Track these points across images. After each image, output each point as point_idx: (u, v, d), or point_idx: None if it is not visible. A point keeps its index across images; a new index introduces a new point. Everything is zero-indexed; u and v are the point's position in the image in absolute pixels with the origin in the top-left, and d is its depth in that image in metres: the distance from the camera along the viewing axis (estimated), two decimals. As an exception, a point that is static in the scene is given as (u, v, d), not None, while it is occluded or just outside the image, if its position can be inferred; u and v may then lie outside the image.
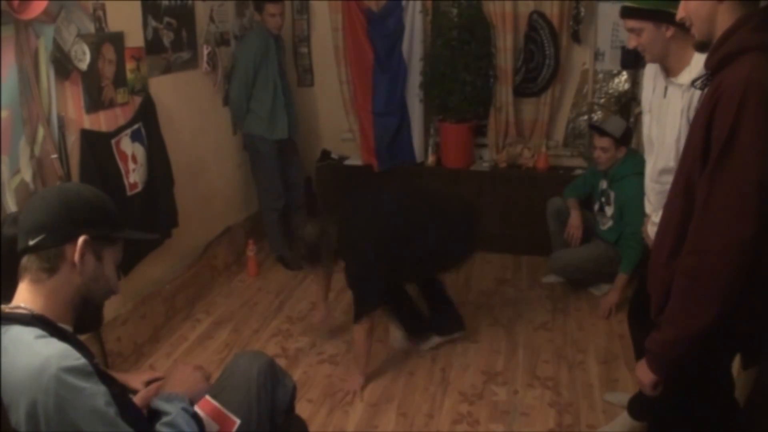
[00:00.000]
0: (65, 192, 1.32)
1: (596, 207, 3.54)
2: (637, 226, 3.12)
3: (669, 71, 1.95)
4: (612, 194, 3.39)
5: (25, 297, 1.25)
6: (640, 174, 3.11)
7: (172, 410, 1.31)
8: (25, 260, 1.26)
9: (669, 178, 1.91)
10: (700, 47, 1.45)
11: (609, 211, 3.43)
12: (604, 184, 3.46)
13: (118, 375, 1.74)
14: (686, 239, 1.35)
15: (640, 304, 2.25)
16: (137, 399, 1.52)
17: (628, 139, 3.39)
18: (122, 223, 1.37)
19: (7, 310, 1.23)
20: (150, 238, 1.50)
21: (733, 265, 1.27)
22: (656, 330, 1.44)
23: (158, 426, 1.29)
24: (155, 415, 1.34)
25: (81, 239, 1.26)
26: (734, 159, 1.25)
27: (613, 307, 3.33)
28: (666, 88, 1.96)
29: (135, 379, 1.72)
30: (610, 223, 3.44)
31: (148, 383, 1.71)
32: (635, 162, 3.29)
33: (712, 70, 1.39)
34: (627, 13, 1.93)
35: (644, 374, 1.49)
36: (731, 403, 1.68)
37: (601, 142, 3.36)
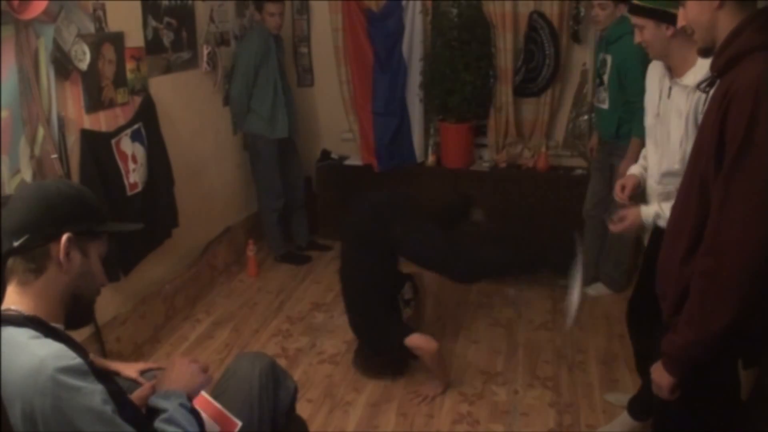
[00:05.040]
0: (44, 190, 1.29)
1: (597, 82, 3.39)
2: (641, 85, 3.03)
3: (673, 71, 1.96)
4: (609, 58, 3.23)
5: (14, 299, 1.24)
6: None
7: (170, 407, 1.31)
8: (10, 262, 1.24)
9: (672, 180, 1.91)
10: (704, 53, 1.45)
11: (606, 78, 3.27)
12: (600, 57, 3.33)
13: (114, 364, 1.74)
14: (703, 240, 1.34)
15: (640, 305, 2.25)
16: (134, 397, 1.51)
17: None
18: (105, 215, 1.35)
19: None
20: (134, 229, 1.47)
21: (752, 265, 1.26)
22: (672, 332, 1.43)
23: (157, 422, 1.28)
24: (154, 412, 1.34)
25: (64, 237, 1.24)
26: (750, 159, 1.25)
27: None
28: (670, 89, 1.96)
29: (130, 369, 1.72)
30: (606, 97, 3.28)
31: (143, 373, 1.71)
32: (629, 23, 3.19)
33: (719, 72, 1.38)
34: (631, 9, 2.03)
35: (661, 377, 1.47)
36: (736, 402, 1.68)
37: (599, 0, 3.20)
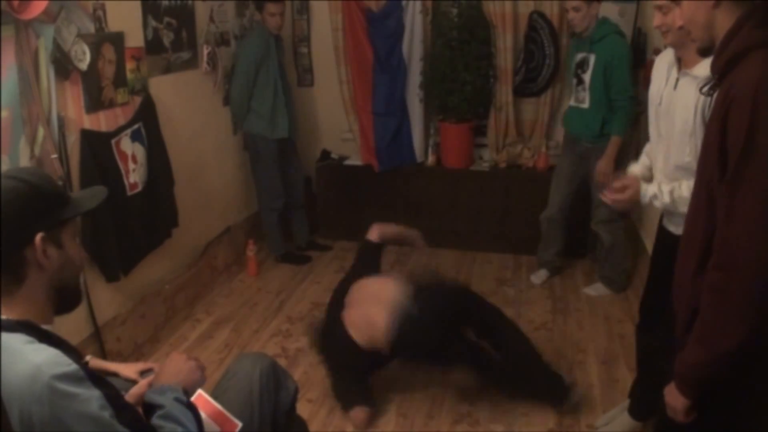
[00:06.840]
0: (3, 196, 1.20)
1: (574, 82, 3.39)
2: (625, 84, 3.09)
3: (683, 63, 1.91)
4: (592, 57, 3.23)
5: (1, 310, 1.21)
6: (620, 33, 3.17)
7: (166, 402, 1.30)
8: None
9: (684, 175, 1.87)
10: (703, 52, 1.40)
11: (587, 77, 3.26)
12: (579, 56, 3.33)
13: (113, 365, 1.72)
14: (712, 253, 1.27)
15: (650, 313, 2.24)
16: (130, 396, 1.51)
17: None
18: (66, 195, 1.29)
19: None
20: (100, 198, 1.37)
21: (763, 278, 1.18)
22: (683, 350, 1.34)
23: (154, 419, 1.27)
24: (150, 408, 1.33)
25: (38, 238, 1.19)
26: (754, 165, 1.17)
27: (609, 176, 3.03)
28: (677, 80, 1.91)
29: (129, 369, 1.71)
30: (586, 97, 3.29)
31: (142, 373, 1.70)
32: (611, 23, 3.26)
33: (720, 73, 1.32)
34: None
35: (675, 399, 1.38)
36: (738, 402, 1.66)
37: (571, 3, 3.24)
